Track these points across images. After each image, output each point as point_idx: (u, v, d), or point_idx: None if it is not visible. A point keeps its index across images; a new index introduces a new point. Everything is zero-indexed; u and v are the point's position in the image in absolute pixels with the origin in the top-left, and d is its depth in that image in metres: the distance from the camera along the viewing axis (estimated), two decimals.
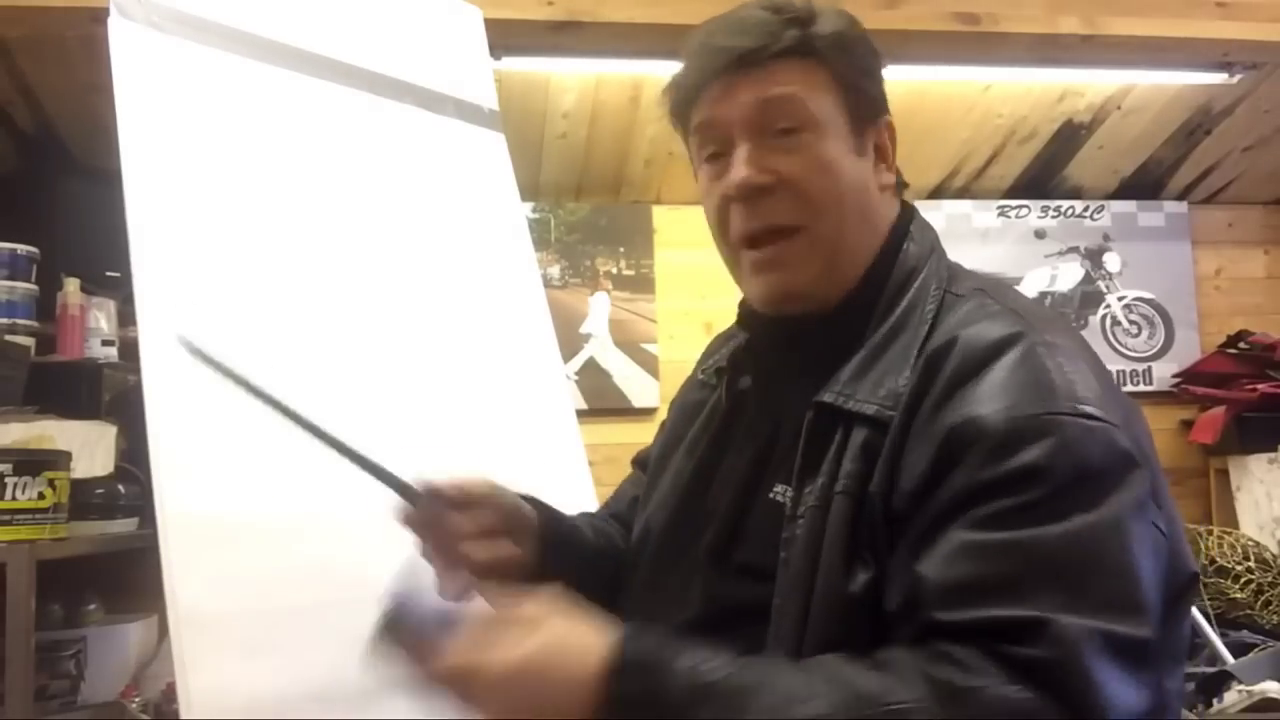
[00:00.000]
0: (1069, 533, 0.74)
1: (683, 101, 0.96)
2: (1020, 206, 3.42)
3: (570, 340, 3.07)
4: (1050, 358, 0.82)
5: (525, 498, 1.05)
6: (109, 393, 1.99)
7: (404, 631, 0.77)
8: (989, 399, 0.79)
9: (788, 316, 0.96)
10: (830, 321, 0.94)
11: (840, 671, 0.74)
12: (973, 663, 0.70)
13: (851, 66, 0.93)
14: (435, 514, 0.95)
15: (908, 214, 0.99)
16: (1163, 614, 0.77)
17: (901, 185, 1.00)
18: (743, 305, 1.03)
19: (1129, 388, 3.32)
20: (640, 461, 1.20)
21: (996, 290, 0.94)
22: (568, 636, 0.76)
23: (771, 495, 0.91)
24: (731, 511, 0.95)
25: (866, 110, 0.95)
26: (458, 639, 0.76)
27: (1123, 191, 3.46)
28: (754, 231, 0.92)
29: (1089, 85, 3.00)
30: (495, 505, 1.00)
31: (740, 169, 0.91)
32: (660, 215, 3.27)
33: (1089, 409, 0.79)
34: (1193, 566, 0.87)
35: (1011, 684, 0.69)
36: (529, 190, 3.01)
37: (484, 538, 0.97)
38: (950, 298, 0.92)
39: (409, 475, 0.96)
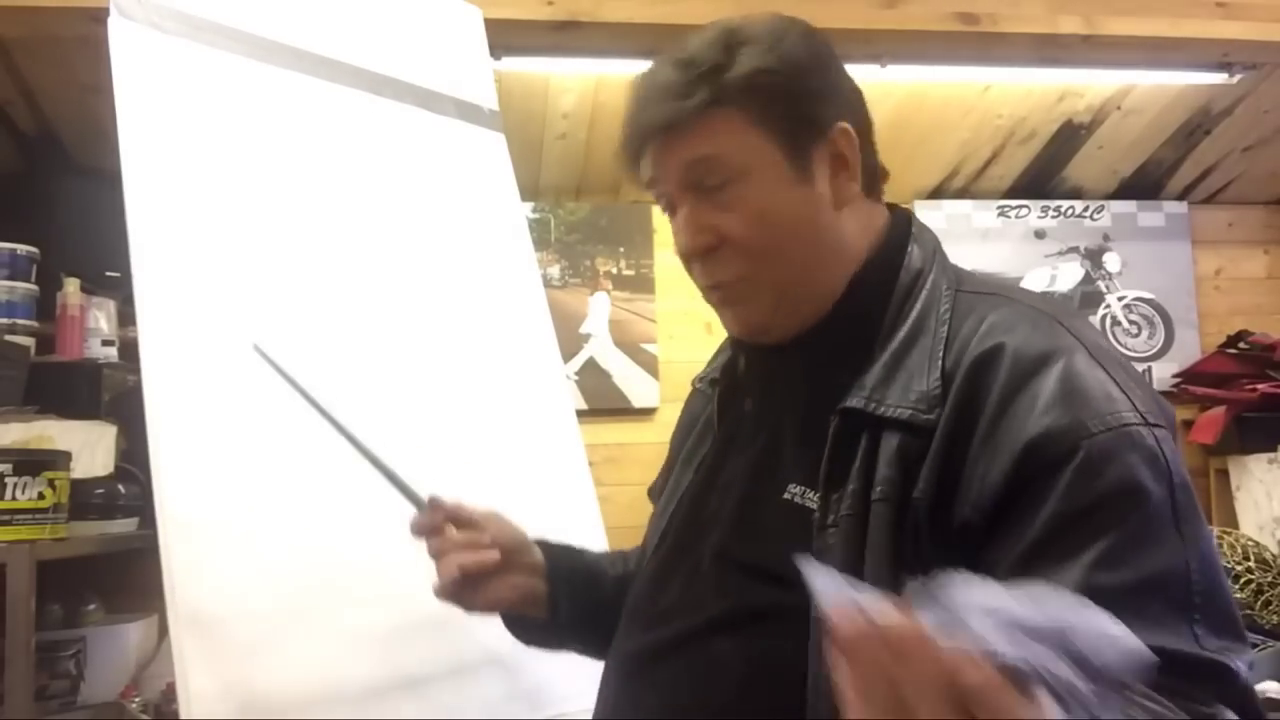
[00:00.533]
0: (1189, 555, 0.75)
1: (630, 163, 0.97)
2: (1020, 206, 3.41)
3: (570, 340, 3.07)
4: (1102, 363, 0.82)
5: (538, 540, 1.13)
6: (109, 393, 1.99)
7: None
8: (1056, 410, 0.79)
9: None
10: (822, 332, 0.94)
11: None
12: (1197, 694, 0.70)
13: (775, 100, 0.90)
14: (435, 523, 1.07)
15: (902, 215, 0.98)
16: None
17: (880, 177, 0.98)
18: None
19: None
20: (653, 491, 1.20)
21: (1016, 291, 0.93)
22: None
23: (786, 496, 0.90)
24: (737, 514, 0.95)
25: (807, 131, 0.92)
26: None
27: (1123, 191, 3.46)
28: (707, 286, 0.96)
29: (1089, 85, 3.00)
30: (495, 531, 1.09)
31: (681, 235, 0.94)
32: (660, 215, 3.22)
33: (1149, 416, 0.80)
34: None
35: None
36: (529, 190, 3.01)
37: (474, 550, 1.06)
38: (964, 296, 0.91)
39: (421, 487, 1.08)
